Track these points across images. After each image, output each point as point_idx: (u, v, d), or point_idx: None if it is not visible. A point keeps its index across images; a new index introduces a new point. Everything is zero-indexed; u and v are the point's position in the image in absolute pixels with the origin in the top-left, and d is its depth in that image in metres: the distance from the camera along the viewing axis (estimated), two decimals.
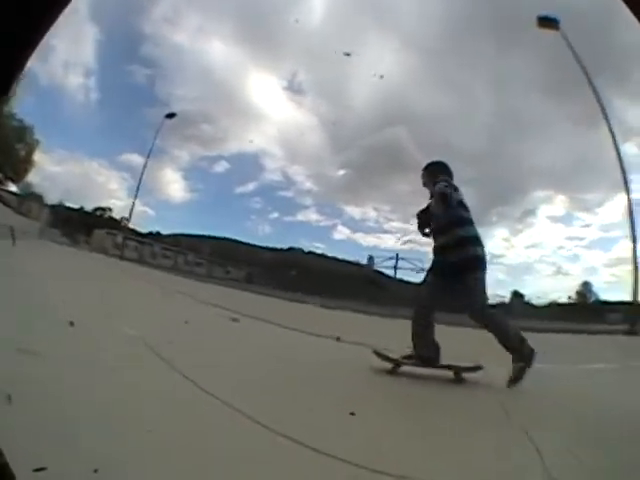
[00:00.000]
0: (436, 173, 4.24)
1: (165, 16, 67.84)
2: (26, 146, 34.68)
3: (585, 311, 32.61)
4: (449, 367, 3.87)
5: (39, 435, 1.78)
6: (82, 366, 2.81)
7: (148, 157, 34.36)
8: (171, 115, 35.81)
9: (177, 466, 1.75)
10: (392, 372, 3.89)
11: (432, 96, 58.26)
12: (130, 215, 35.34)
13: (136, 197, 34.37)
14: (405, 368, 3.93)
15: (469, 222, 4.12)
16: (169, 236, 49.12)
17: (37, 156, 37.58)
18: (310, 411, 2.58)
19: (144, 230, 47.57)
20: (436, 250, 4.15)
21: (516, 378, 3.71)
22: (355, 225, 62.63)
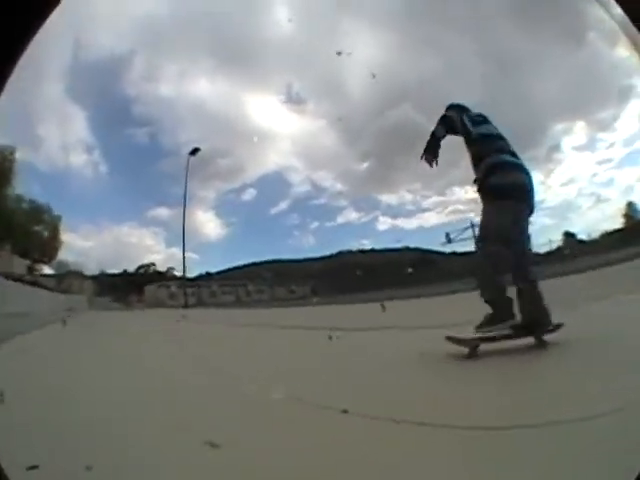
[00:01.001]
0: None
1: (142, 75, 67.13)
2: (47, 226, 32.67)
3: (636, 232, 31.13)
4: (529, 331, 3.61)
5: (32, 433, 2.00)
6: None
7: (184, 202, 34.02)
8: (195, 151, 34.53)
9: None
10: (472, 355, 3.57)
11: (421, 63, 53.72)
12: (184, 263, 34.24)
13: (184, 244, 33.62)
14: (482, 347, 3.61)
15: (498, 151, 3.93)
16: (219, 273, 47.37)
17: (66, 236, 35.81)
18: None
19: (193, 274, 46.05)
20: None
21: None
22: (395, 211, 57.73)
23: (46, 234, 32.26)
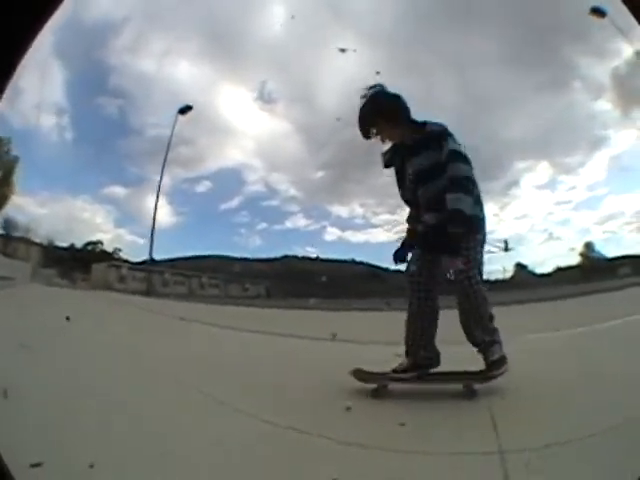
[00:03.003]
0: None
1: (127, 45, 67.38)
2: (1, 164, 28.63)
3: (592, 270, 32.30)
4: (455, 375, 3.50)
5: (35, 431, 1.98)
6: None
7: (161, 176, 32.13)
8: (186, 109, 30.99)
9: None
10: (378, 393, 3.46)
11: (398, 84, 56.67)
12: (151, 246, 32.05)
13: (154, 225, 32.18)
14: (394, 386, 3.54)
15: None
16: (163, 262, 45.52)
17: (22, 200, 33.24)
18: None
19: (137, 259, 44.76)
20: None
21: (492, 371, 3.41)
22: (344, 224, 59.44)
23: None
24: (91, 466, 1.62)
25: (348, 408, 3.09)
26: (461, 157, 3.62)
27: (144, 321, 10.44)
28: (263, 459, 2.33)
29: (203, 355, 5.12)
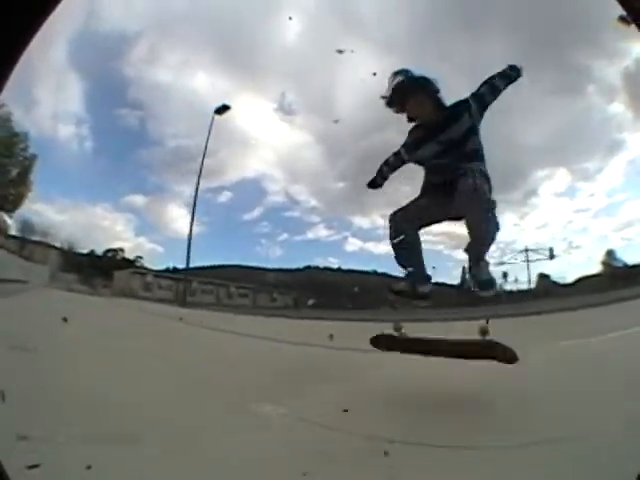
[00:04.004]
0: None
1: (144, 57, 69.98)
2: (18, 162, 26.81)
3: (614, 278, 32.16)
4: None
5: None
6: None
7: (199, 174, 30.82)
8: (223, 109, 29.85)
9: None
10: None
11: None
12: (188, 252, 30.27)
13: (191, 230, 30.69)
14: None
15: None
16: (184, 270, 46.63)
17: (40, 206, 33.11)
18: None
19: (158, 267, 46.18)
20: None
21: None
22: (365, 235, 61.62)
23: (13, 173, 26.65)
24: (88, 467, 1.58)
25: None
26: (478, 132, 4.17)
27: (174, 330, 10.03)
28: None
29: (241, 365, 5.01)
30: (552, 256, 46.30)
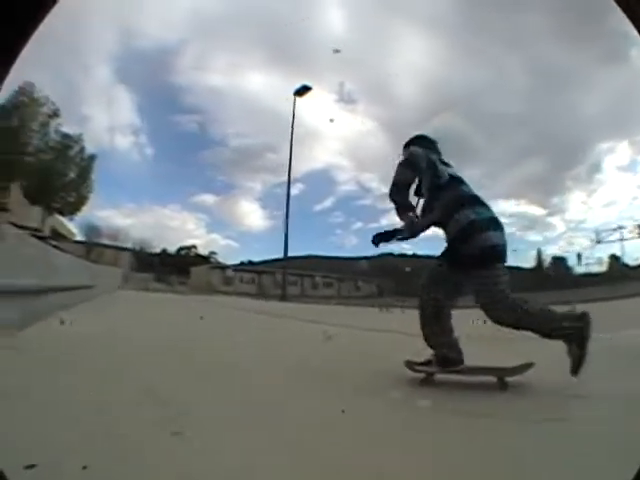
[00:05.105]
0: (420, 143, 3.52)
1: (191, 64, 76.95)
2: (75, 166, 25.16)
3: None
4: (489, 370, 3.25)
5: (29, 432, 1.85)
6: None
7: (290, 157, 28.07)
8: (303, 90, 28.94)
9: None
10: (425, 382, 3.31)
11: (468, 73, 63.91)
12: (286, 245, 27.16)
13: (287, 221, 27.61)
14: (440, 376, 3.35)
15: (473, 201, 3.32)
16: (260, 263, 49.41)
17: (106, 212, 31.57)
18: None
19: (234, 262, 48.73)
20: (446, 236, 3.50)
21: (576, 367, 2.89)
22: None
23: (72, 175, 25.00)
24: (84, 468, 1.45)
25: None
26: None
27: (277, 325, 8.82)
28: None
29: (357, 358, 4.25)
30: (599, 240, 44.52)
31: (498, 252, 3.23)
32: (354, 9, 62.07)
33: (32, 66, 20.87)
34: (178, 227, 67.48)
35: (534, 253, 48.80)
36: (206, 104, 75.96)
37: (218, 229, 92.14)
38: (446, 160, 3.50)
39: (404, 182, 3.31)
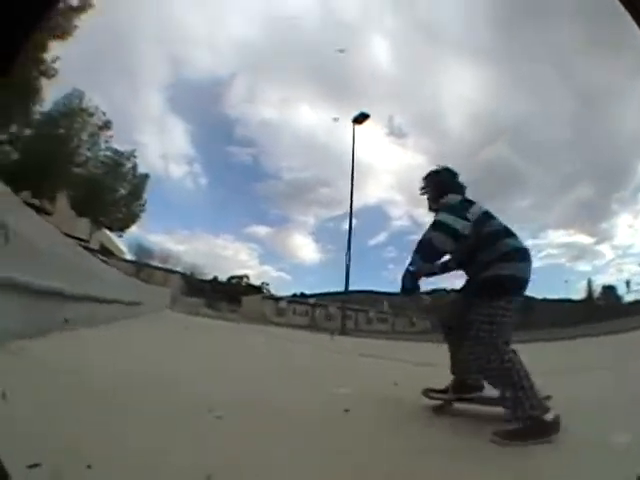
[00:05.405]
0: (440, 187, 3.38)
1: (243, 97, 79.76)
2: (126, 184, 24.94)
3: None
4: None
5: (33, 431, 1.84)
6: None
7: (352, 182, 27.22)
8: (362, 118, 28.58)
9: None
10: (439, 410, 3.32)
11: (513, 101, 63.62)
12: (347, 276, 27.05)
13: (349, 248, 26.88)
14: (457, 406, 3.34)
15: (504, 234, 3.13)
16: (312, 296, 48.45)
17: (160, 238, 35.34)
18: None
19: (286, 293, 48.69)
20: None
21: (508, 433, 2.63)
22: None
23: (123, 191, 24.78)
24: (89, 467, 1.50)
25: None
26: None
27: (328, 358, 8.11)
28: None
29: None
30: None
31: (514, 283, 3.02)
32: (398, 41, 63.25)
33: (85, 88, 21.57)
34: (230, 256, 68.08)
35: (584, 284, 46.96)
36: (259, 137, 77.00)
37: (270, 261, 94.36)
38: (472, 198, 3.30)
39: (442, 252, 3.10)
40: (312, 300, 39.69)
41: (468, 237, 2.98)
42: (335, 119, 53.20)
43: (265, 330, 17.16)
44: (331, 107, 76.81)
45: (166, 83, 69.27)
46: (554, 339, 12.49)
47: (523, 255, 3.06)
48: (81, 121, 21.07)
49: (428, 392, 3.37)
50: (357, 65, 64.55)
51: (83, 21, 17.01)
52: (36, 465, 1.44)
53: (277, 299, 36.65)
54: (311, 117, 72.68)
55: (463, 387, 3.22)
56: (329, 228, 69.39)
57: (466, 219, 3.01)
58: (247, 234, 78.44)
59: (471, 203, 3.21)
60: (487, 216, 3.15)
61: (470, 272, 3.27)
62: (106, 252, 24.43)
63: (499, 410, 2.85)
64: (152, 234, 47.53)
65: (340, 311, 26.34)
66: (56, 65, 17.24)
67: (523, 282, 3.03)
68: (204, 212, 71.43)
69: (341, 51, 36.83)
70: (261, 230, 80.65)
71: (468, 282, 3.32)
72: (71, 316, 5.38)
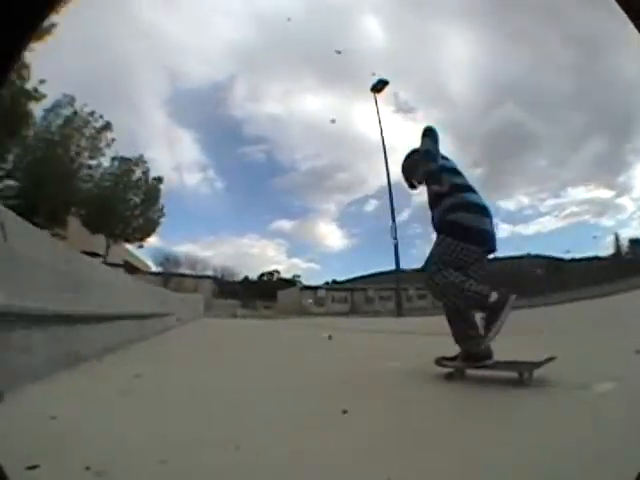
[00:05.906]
0: (414, 163, 3.65)
1: (246, 96, 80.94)
2: (138, 190, 23.17)
3: None
4: (512, 365, 3.16)
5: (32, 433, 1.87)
6: None
7: (385, 160, 25.46)
8: (380, 85, 26.28)
9: None
10: (452, 377, 3.36)
11: (513, 59, 63.18)
12: (397, 254, 25.22)
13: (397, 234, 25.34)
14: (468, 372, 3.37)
15: (470, 189, 3.46)
16: (345, 282, 48.96)
17: (186, 247, 32.90)
18: None
19: (317, 283, 47.43)
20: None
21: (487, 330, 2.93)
22: (513, 218, 60.38)
23: (136, 199, 23.07)
24: (87, 468, 1.44)
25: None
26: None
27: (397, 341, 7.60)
28: None
29: None
30: None
31: (477, 233, 3.21)
32: (392, 16, 61.20)
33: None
34: (258, 255, 68.87)
35: (611, 239, 45.94)
36: (268, 132, 76.64)
37: (298, 253, 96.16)
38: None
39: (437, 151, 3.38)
40: (348, 285, 39.35)
41: (442, 177, 3.28)
42: (332, 121, 53.65)
43: (316, 323, 15.73)
44: (334, 91, 78.03)
45: (167, 97, 70.68)
46: (584, 298, 12.74)
47: (485, 210, 3.27)
48: (77, 126, 19.55)
49: (440, 360, 3.50)
50: (353, 47, 63.39)
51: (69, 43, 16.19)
52: (35, 467, 1.41)
53: (315, 288, 36.02)
54: (316, 105, 72.40)
55: (471, 357, 3.28)
56: (351, 212, 69.79)
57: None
58: (272, 230, 78.71)
59: (446, 159, 3.52)
60: (457, 171, 3.44)
61: (437, 215, 3.37)
62: (133, 269, 23.74)
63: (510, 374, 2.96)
64: (178, 245, 47.69)
65: (394, 293, 25.54)
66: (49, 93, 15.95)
67: (485, 233, 3.21)
68: (226, 215, 73.20)
69: (338, 52, 36.22)
70: (285, 224, 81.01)
71: (433, 223, 3.44)
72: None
